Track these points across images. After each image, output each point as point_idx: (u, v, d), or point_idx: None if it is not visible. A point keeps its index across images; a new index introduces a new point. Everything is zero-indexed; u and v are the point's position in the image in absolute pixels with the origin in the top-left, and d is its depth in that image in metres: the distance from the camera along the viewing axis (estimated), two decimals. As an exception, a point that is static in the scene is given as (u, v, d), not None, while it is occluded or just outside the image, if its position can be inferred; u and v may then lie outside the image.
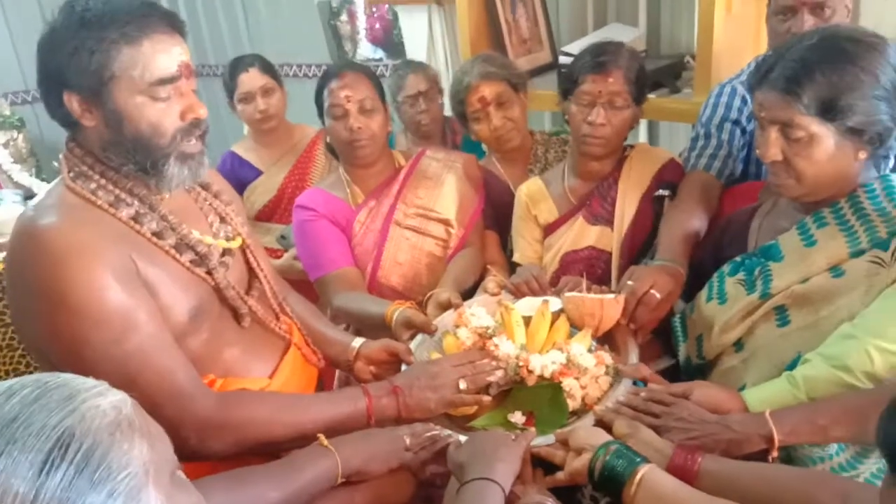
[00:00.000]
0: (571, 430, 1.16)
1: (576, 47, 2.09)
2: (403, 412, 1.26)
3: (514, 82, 1.99)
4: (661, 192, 1.74)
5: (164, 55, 1.10)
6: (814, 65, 1.16)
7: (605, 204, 1.78)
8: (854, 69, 1.15)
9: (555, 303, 1.49)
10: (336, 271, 1.81)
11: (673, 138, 2.81)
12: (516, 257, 1.87)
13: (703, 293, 1.41)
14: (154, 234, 1.15)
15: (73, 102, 1.09)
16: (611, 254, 1.75)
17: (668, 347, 1.50)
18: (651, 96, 1.95)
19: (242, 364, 1.28)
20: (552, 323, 1.45)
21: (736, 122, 1.75)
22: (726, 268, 1.39)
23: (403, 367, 1.41)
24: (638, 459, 1.02)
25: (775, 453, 1.09)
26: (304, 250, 1.90)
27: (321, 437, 1.13)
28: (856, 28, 1.35)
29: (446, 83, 2.98)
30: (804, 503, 0.94)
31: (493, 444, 1.09)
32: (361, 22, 3.90)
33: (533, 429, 1.25)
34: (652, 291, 1.40)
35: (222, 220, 1.32)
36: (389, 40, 3.80)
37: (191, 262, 1.19)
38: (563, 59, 2.32)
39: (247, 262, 1.35)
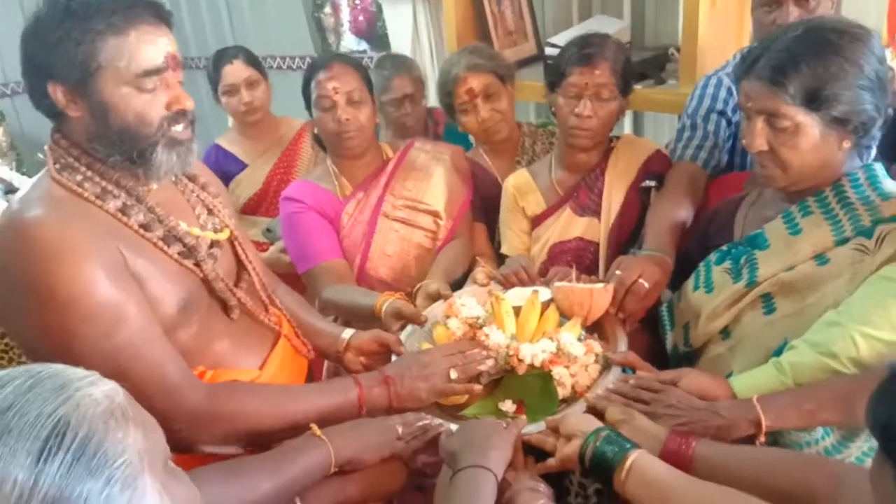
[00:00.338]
0: (562, 417, 1.17)
1: (561, 39, 2.10)
2: (394, 402, 1.26)
3: (501, 74, 1.98)
4: (647, 182, 1.75)
5: (150, 46, 1.09)
6: (799, 55, 1.17)
7: (592, 195, 1.79)
8: (839, 60, 1.16)
9: (544, 293, 1.50)
10: (324, 263, 1.81)
11: (657, 129, 2.84)
12: (504, 249, 1.88)
13: (690, 282, 1.43)
14: (141, 226, 1.14)
15: (58, 93, 1.08)
16: (598, 244, 1.76)
17: (656, 336, 1.51)
18: (637, 87, 1.96)
19: (232, 356, 1.27)
20: (542, 313, 1.46)
21: (722, 114, 1.77)
22: (713, 257, 1.40)
23: (394, 358, 1.41)
24: (628, 445, 1.03)
25: (763, 438, 1.11)
26: (292, 242, 1.89)
27: (314, 426, 1.13)
28: (840, 19, 1.36)
29: (431, 75, 2.99)
30: (798, 486, 0.95)
31: (485, 432, 1.10)
32: (345, 14, 3.88)
33: (524, 417, 1.26)
34: (640, 281, 1.41)
35: (210, 212, 1.31)
36: (373, 32, 3.79)
37: (179, 254, 1.18)
38: (548, 51, 2.33)
39: (235, 254, 1.35)
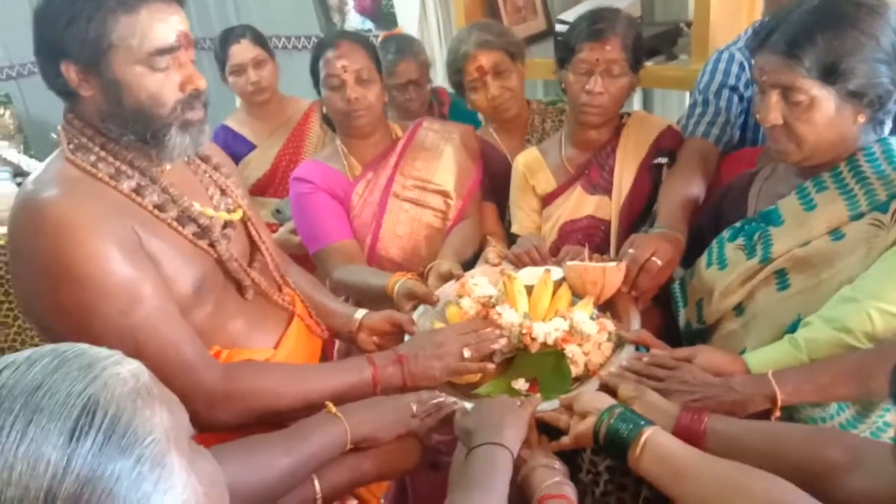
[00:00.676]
0: (576, 394, 1.17)
1: (571, 15, 2.07)
2: (408, 380, 1.27)
3: (511, 51, 1.96)
4: (659, 159, 1.74)
5: (162, 24, 1.08)
6: (815, 28, 1.16)
7: (604, 173, 1.78)
8: (855, 32, 1.15)
9: (556, 272, 1.49)
10: (335, 244, 1.81)
11: (666, 105, 2.81)
12: (515, 228, 1.88)
13: (703, 259, 1.42)
14: (156, 206, 1.15)
15: (70, 72, 1.08)
16: (609, 222, 1.76)
17: (669, 313, 1.51)
18: (647, 63, 1.94)
19: (247, 336, 1.28)
20: (554, 291, 1.45)
21: (734, 89, 1.75)
22: (726, 233, 1.40)
23: (406, 338, 1.41)
24: (642, 422, 1.03)
25: (778, 413, 1.11)
26: (302, 223, 1.89)
27: (329, 404, 1.14)
28: (856, -9, 1.34)
29: (439, 53, 2.96)
30: (813, 460, 0.94)
31: (501, 410, 1.10)
32: (349, -8, 3.84)
33: (538, 395, 1.26)
34: (653, 259, 1.41)
35: (223, 192, 1.31)
36: (378, 10, 3.75)
37: (193, 234, 1.18)
38: (558, 27, 2.30)
39: (248, 234, 1.35)
